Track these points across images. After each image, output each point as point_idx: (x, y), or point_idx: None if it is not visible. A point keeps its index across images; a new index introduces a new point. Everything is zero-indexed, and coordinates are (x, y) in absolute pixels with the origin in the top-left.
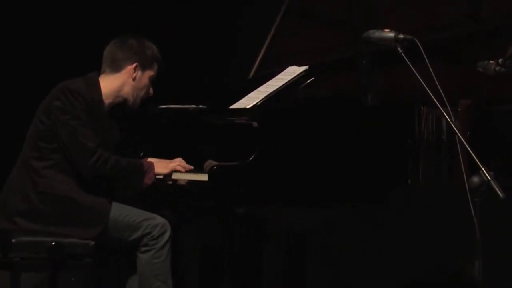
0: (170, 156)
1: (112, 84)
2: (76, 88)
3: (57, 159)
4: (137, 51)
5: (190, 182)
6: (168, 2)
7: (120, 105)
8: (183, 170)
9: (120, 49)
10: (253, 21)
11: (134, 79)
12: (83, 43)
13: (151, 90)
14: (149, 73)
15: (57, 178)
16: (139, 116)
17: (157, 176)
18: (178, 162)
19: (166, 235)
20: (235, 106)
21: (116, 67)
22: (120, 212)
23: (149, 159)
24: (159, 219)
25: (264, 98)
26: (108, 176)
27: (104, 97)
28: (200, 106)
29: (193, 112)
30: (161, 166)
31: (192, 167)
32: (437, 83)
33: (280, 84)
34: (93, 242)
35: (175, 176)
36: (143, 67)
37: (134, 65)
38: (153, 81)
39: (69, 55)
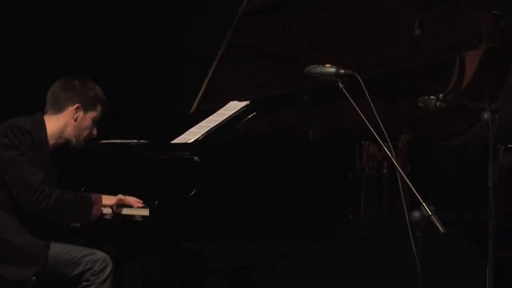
0: (111, 191)
1: (55, 125)
2: (23, 126)
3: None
4: (79, 92)
5: (132, 217)
6: (110, 34)
7: (63, 147)
8: (127, 202)
9: (63, 90)
10: (195, 57)
11: (75, 120)
12: (28, 82)
13: (94, 131)
14: (92, 114)
15: None
16: (80, 151)
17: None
18: (125, 196)
19: (107, 270)
20: (176, 141)
21: (58, 108)
22: (61, 248)
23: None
24: (100, 254)
25: (205, 133)
26: (53, 210)
27: (48, 137)
28: (142, 141)
29: (134, 147)
30: (107, 198)
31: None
32: (378, 118)
33: (222, 119)
34: (34, 278)
35: (117, 210)
36: (85, 108)
37: (76, 106)
38: (96, 122)
39: (15, 94)
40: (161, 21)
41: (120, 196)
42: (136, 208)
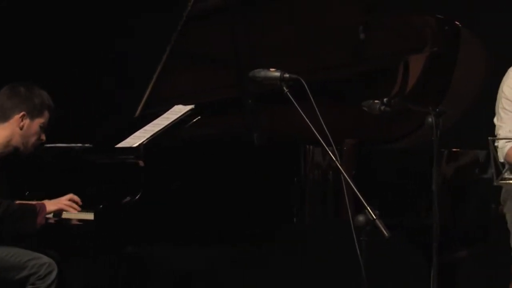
0: (55, 196)
1: (2, 133)
2: None
3: None
4: (25, 99)
5: (77, 221)
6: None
7: (12, 155)
8: (72, 207)
9: (9, 98)
10: (139, 60)
11: (21, 128)
12: None
13: (42, 136)
14: (39, 120)
15: None
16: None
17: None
18: (68, 197)
19: (53, 275)
20: (121, 145)
21: (4, 117)
22: (5, 252)
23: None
24: (45, 259)
25: (150, 137)
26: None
27: None
28: (86, 145)
29: (78, 151)
30: (50, 204)
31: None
32: (323, 122)
33: (166, 123)
34: None
35: (57, 214)
36: (32, 115)
37: (22, 114)
38: (44, 128)
39: None
40: (107, 24)
41: (63, 201)
42: (82, 212)
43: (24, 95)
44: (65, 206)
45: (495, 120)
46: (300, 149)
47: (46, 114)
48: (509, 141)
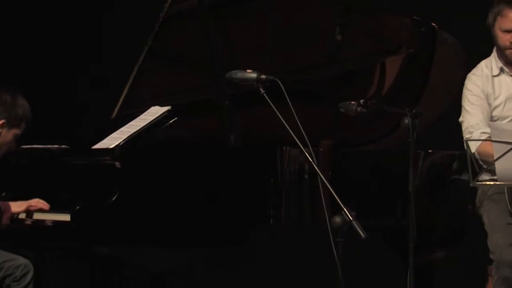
0: (31, 197)
1: None
2: None
3: None
4: (8, 108)
5: (53, 222)
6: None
7: None
8: (38, 208)
9: None
10: (116, 61)
11: None
12: None
13: (14, 146)
14: (15, 131)
15: None
16: None
17: (19, 217)
18: (35, 201)
19: (29, 276)
20: (97, 146)
21: None
22: None
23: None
24: (22, 260)
25: (126, 138)
26: None
27: None
28: (62, 146)
29: (55, 153)
30: (16, 205)
31: (48, 206)
32: (299, 124)
33: (143, 124)
34: None
35: (37, 216)
36: (11, 125)
37: (1, 122)
38: (16, 139)
39: None
40: (84, 24)
41: (28, 203)
42: (58, 213)
43: (9, 104)
44: (33, 207)
45: (460, 119)
46: (276, 150)
47: (23, 126)
48: (483, 134)
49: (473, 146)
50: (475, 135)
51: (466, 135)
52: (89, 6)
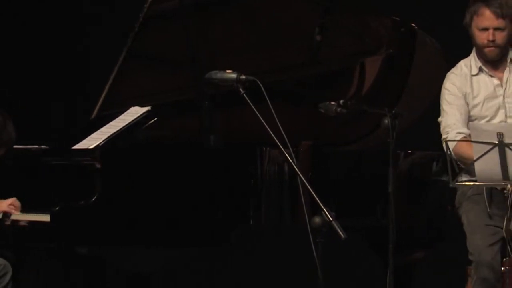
0: (11, 197)
1: None
2: None
3: None
4: None
5: (32, 223)
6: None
7: None
8: (14, 210)
9: None
10: (96, 61)
11: None
12: None
13: None
14: None
15: None
16: None
17: None
18: (10, 201)
19: (7, 277)
20: (77, 146)
21: None
22: None
23: None
24: (0, 261)
25: (106, 138)
26: None
27: None
28: (42, 146)
29: (35, 153)
30: None
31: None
32: (279, 124)
33: (123, 124)
34: None
35: (16, 216)
36: None
37: None
38: None
39: None
40: (65, 24)
41: (4, 204)
42: (38, 214)
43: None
44: (9, 206)
45: (439, 119)
46: (256, 151)
47: (4, 149)
48: (459, 135)
49: (452, 147)
50: (451, 135)
51: (443, 135)
52: (71, 9)
